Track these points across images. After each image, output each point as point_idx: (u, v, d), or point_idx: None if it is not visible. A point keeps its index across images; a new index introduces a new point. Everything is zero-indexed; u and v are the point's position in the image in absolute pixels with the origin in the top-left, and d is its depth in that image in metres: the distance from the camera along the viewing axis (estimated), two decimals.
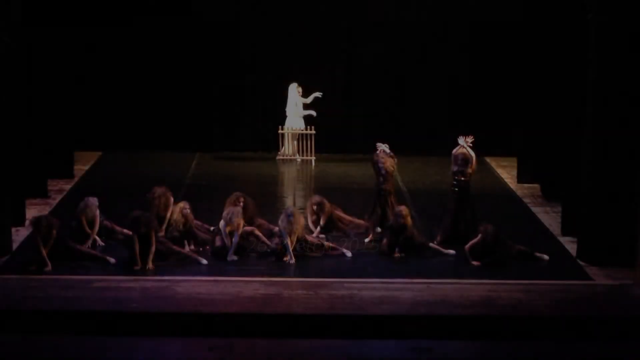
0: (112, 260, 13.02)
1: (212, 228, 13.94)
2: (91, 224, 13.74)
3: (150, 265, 12.79)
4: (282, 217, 13.36)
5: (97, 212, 13.79)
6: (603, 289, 12.38)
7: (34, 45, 16.07)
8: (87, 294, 11.86)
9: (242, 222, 13.35)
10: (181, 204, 13.68)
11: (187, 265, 12.96)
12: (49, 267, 12.65)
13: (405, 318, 11.41)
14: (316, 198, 14.41)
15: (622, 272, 12.90)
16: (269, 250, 13.40)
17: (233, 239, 13.23)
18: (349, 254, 13.52)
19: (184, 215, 13.57)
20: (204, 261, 13.09)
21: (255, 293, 11.98)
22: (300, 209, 14.77)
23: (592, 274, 12.91)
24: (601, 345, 11.16)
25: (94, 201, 13.84)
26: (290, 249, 13.18)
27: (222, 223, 13.30)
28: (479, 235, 13.18)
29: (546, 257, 13.43)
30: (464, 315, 11.46)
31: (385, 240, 13.61)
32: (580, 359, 10.95)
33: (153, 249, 12.85)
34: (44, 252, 12.70)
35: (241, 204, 13.87)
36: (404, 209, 13.55)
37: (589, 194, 13.27)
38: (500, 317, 11.46)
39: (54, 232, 12.83)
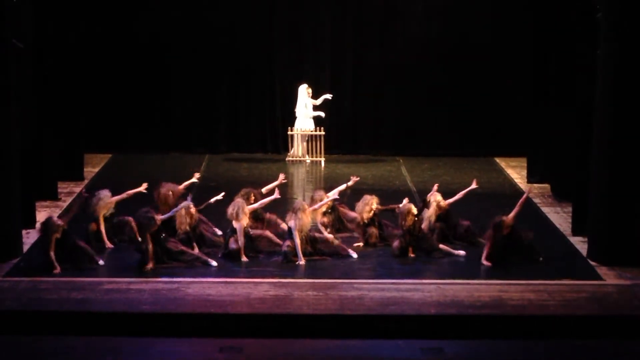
0: (101, 262, 12.98)
1: (220, 232, 13.96)
2: (106, 219, 13.75)
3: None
4: (289, 214, 13.35)
5: (113, 200, 13.84)
6: (614, 289, 12.35)
7: (44, 48, 16.12)
8: (98, 296, 11.88)
9: (247, 218, 13.32)
10: (185, 204, 13.63)
11: (197, 267, 12.96)
12: (58, 270, 12.65)
13: (415, 318, 11.41)
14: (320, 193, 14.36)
15: (633, 271, 12.89)
16: (278, 253, 13.41)
17: (240, 239, 13.23)
18: (354, 255, 13.50)
19: (189, 215, 13.52)
20: (214, 263, 13.08)
21: (265, 294, 11.98)
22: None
23: (603, 274, 12.88)
24: (612, 345, 11.13)
25: (106, 192, 13.86)
26: (300, 250, 13.16)
27: (237, 225, 13.26)
28: (491, 238, 13.15)
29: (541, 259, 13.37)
30: (474, 316, 11.45)
31: (397, 243, 13.57)
32: (591, 359, 10.92)
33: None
34: (53, 255, 12.71)
35: (252, 200, 13.88)
36: (412, 208, 13.52)
37: (600, 193, 13.24)
38: (511, 317, 11.44)
39: (62, 231, 12.80)
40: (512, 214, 13.37)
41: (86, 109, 18.65)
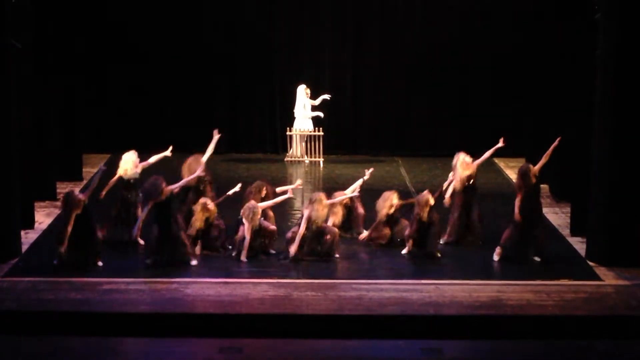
0: (100, 263, 12.96)
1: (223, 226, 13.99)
2: (130, 184, 13.79)
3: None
4: (306, 204, 13.42)
5: (139, 168, 14.01)
6: (612, 289, 12.36)
7: (44, 48, 16.12)
8: (97, 296, 11.89)
9: (259, 216, 13.34)
10: (202, 200, 13.60)
11: (178, 265, 12.94)
12: (64, 248, 12.56)
13: (413, 319, 11.42)
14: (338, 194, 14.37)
15: (632, 272, 12.90)
16: (281, 255, 13.45)
17: (245, 240, 13.23)
18: (336, 255, 13.49)
19: (208, 211, 13.48)
20: (194, 262, 13.08)
21: (264, 295, 11.99)
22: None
23: (602, 275, 12.89)
24: (611, 345, 11.14)
25: (133, 152, 14.04)
26: (299, 238, 13.11)
27: (247, 224, 13.25)
28: (521, 188, 13.18)
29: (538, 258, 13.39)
30: (473, 316, 11.46)
31: (409, 230, 13.54)
32: (589, 359, 10.97)
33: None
34: (69, 231, 12.56)
35: (263, 194, 13.86)
36: (430, 199, 13.51)
37: (598, 194, 13.25)
38: (509, 317, 11.46)
39: (83, 207, 12.73)
40: (538, 165, 13.40)
41: (85, 109, 18.64)
